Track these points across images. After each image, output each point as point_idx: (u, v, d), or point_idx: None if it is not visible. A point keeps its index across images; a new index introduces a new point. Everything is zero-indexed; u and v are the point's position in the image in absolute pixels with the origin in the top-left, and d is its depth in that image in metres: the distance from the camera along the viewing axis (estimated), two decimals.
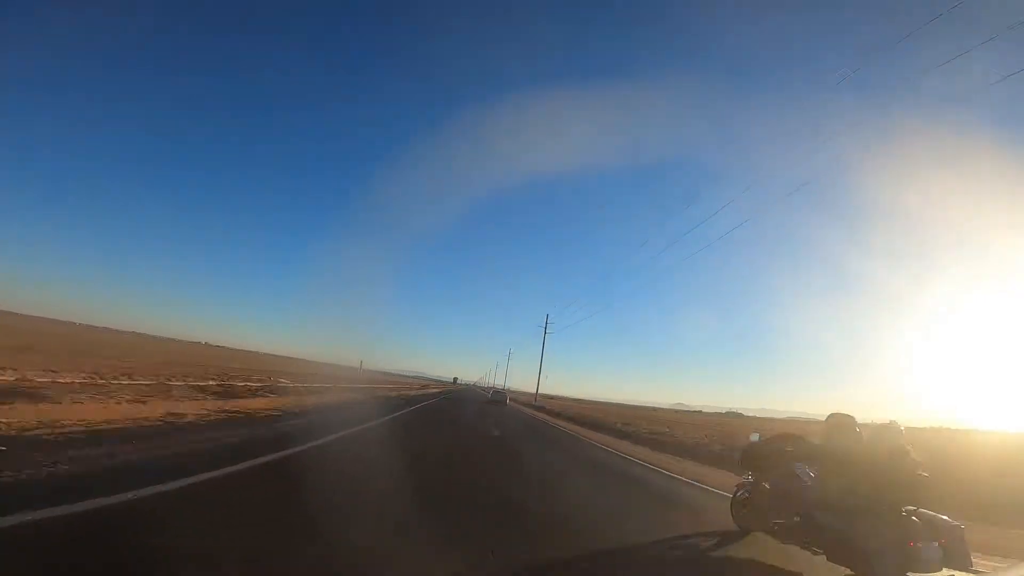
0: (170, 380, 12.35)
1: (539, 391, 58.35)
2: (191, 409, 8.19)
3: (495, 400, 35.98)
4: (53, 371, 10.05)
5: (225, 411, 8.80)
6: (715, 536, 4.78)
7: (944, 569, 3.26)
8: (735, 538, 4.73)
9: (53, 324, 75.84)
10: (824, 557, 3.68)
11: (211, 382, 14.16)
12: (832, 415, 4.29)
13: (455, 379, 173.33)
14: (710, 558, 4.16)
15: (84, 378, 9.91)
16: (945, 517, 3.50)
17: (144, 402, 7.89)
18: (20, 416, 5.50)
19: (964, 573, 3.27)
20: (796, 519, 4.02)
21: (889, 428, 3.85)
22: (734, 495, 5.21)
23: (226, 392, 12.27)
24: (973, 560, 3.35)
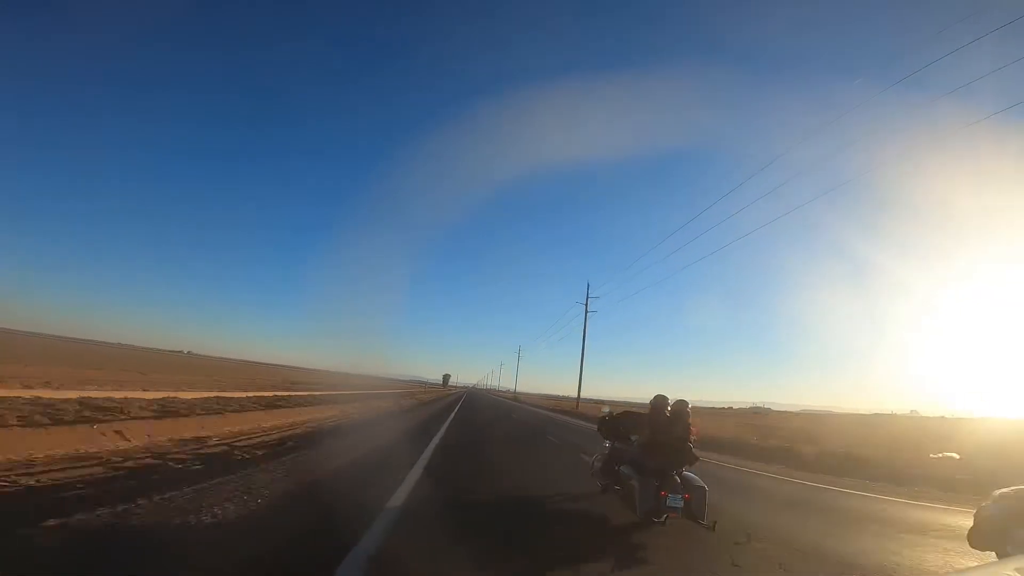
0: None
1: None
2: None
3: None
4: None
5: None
6: (582, 497, 6.42)
7: (686, 517, 4.92)
8: (593, 496, 6.31)
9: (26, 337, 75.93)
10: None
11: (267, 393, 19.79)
12: (654, 397, 5.81)
13: (446, 378, 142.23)
14: (571, 509, 6.02)
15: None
16: (697, 479, 5.23)
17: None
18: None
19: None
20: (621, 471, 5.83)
21: (680, 405, 5.70)
22: (592, 463, 6.75)
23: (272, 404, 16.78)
24: (707, 513, 4.96)
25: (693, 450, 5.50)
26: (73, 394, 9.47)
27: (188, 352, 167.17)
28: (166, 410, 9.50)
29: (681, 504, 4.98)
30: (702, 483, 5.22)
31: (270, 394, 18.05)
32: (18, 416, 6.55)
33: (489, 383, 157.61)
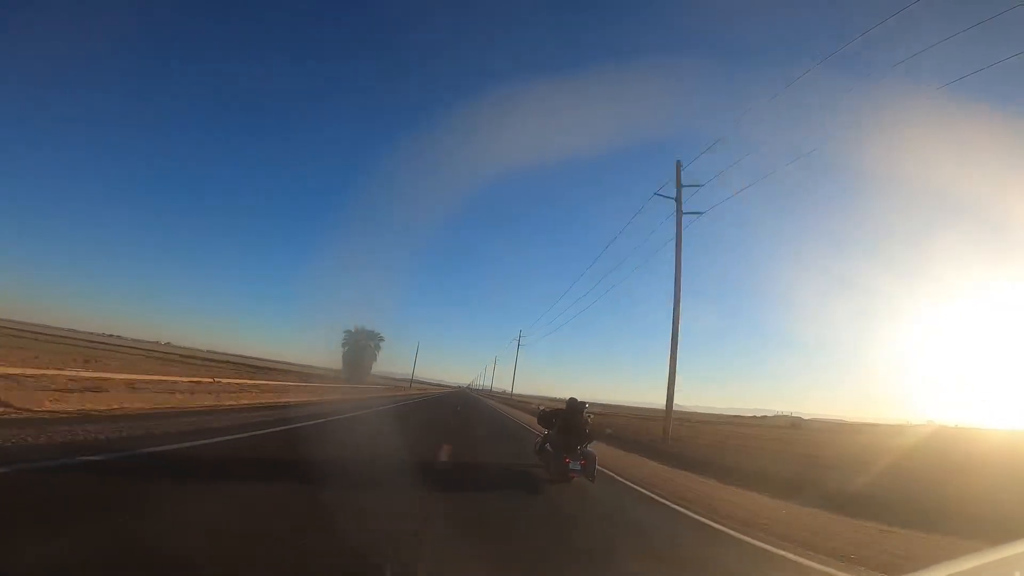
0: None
1: (531, 393, 69.86)
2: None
3: None
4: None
5: None
6: (529, 466, 9.75)
7: (582, 475, 8.13)
8: (535, 466, 9.64)
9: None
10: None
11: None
12: (568, 399, 9.26)
13: (351, 357, 67.24)
14: (518, 471, 9.34)
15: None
16: (593, 451, 8.49)
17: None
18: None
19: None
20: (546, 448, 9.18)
21: (580, 404, 9.08)
22: (536, 443, 10.06)
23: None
24: (597, 474, 8.32)
25: (588, 432, 8.86)
26: None
27: (166, 343, 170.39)
28: None
29: (579, 467, 8.17)
30: (594, 453, 8.55)
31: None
32: None
33: (480, 383, 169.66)
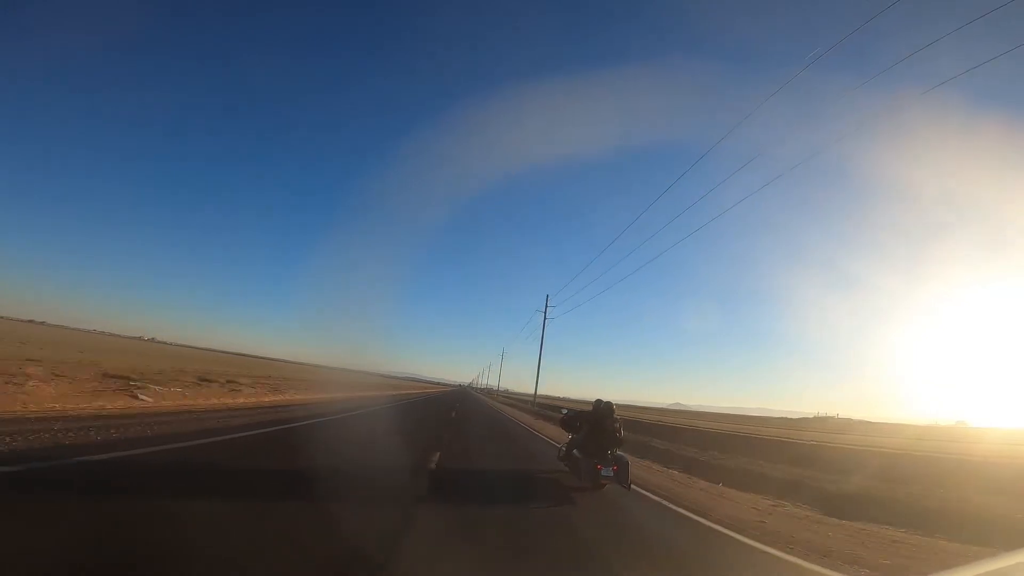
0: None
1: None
2: None
3: None
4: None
5: None
6: (552, 471, 9.54)
7: (615, 482, 7.85)
8: (559, 471, 9.48)
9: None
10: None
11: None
12: (596, 400, 9.00)
13: None
14: (543, 477, 9.20)
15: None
16: (624, 456, 8.22)
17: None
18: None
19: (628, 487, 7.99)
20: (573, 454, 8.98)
21: (609, 406, 8.74)
22: (560, 449, 9.93)
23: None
24: (631, 481, 8.04)
25: (619, 436, 8.53)
26: None
27: (152, 339, 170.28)
28: None
29: (612, 474, 7.90)
30: (627, 459, 8.23)
31: None
32: None
33: (480, 382, 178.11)
